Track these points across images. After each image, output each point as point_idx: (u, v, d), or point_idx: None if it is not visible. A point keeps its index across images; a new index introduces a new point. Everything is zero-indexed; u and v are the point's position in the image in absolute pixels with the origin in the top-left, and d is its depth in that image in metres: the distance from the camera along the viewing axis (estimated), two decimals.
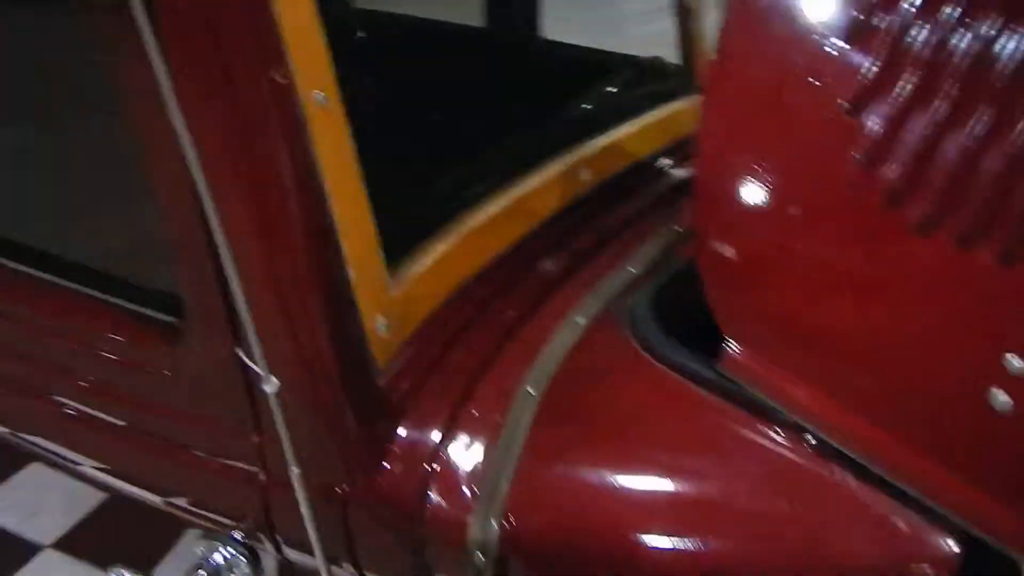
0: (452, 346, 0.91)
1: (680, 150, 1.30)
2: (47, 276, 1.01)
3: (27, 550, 1.57)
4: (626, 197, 1.18)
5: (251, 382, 0.84)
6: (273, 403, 0.74)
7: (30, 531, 1.59)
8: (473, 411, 0.87)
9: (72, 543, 1.54)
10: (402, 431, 0.86)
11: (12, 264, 1.05)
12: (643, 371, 0.90)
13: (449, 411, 0.87)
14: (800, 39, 0.77)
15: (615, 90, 1.34)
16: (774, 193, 0.80)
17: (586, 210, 1.12)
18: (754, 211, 0.82)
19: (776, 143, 0.80)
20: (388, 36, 1.85)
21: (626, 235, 1.12)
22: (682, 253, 1.08)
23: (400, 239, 0.91)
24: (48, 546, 1.57)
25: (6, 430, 1.13)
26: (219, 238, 0.73)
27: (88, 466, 1.06)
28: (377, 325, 0.84)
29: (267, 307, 0.79)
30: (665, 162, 1.27)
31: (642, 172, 1.23)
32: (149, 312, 0.92)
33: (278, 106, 0.75)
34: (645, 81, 1.44)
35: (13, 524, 1.62)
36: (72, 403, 1.03)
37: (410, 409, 0.87)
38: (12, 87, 1.04)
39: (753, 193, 0.81)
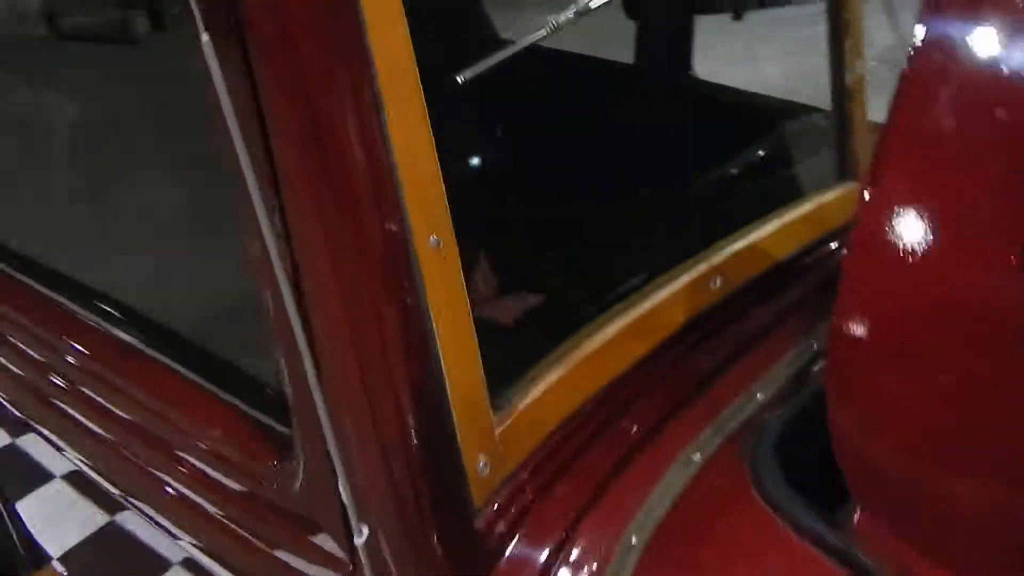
0: (555, 482, 0.88)
1: (827, 245, 1.20)
2: (180, 369, 1.03)
3: (160, 564, 1.66)
4: (761, 302, 1.11)
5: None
6: (362, 552, 0.74)
7: (162, 546, 1.68)
8: (572, 557, 0.84)
9: (198, 565, 1.62)
10: (498, 572, 0.84)
11: (141, 345, 1.09)
12: (759, 525, 0.83)
13: (547, 556, 0.84)
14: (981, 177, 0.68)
15: (761, 169, 1.26)
16: (930, 327, 0.72)
17: (714, 320, 1.06)
18: (902, 343, 0.74)
19: (944, 281, 0.71)
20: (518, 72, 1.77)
21: (759, 349, 1.05)
22: (818, 376, 1.00)
23: (510, 364, 0.89)
24: (176, 564, 1.65)
25: (118, 492, 1.18)
26: (311, 375, 0.74)
27: (185, 541, 1.09)
28: (478, 465, 0.82)
29: (365, 447, 0.78)
30: (809, 262, 1.18)
31: (781, 273, 1.14)
32: (263, 418, 0.93)
33: (389, 252, 0.74)
34: (796, 154, 1.35)
35: (147, 536, 1.71)
36: (174, 483, 1.06)
37: (507, 551, 0.84)
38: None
39: (902, 323, 0.73)
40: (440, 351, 0.77)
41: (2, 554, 2.01)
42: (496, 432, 0.84)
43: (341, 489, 0.79)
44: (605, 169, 1.26)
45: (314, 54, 0.68)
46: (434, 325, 0.77)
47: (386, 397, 0.77)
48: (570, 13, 0.84)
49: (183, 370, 1.02)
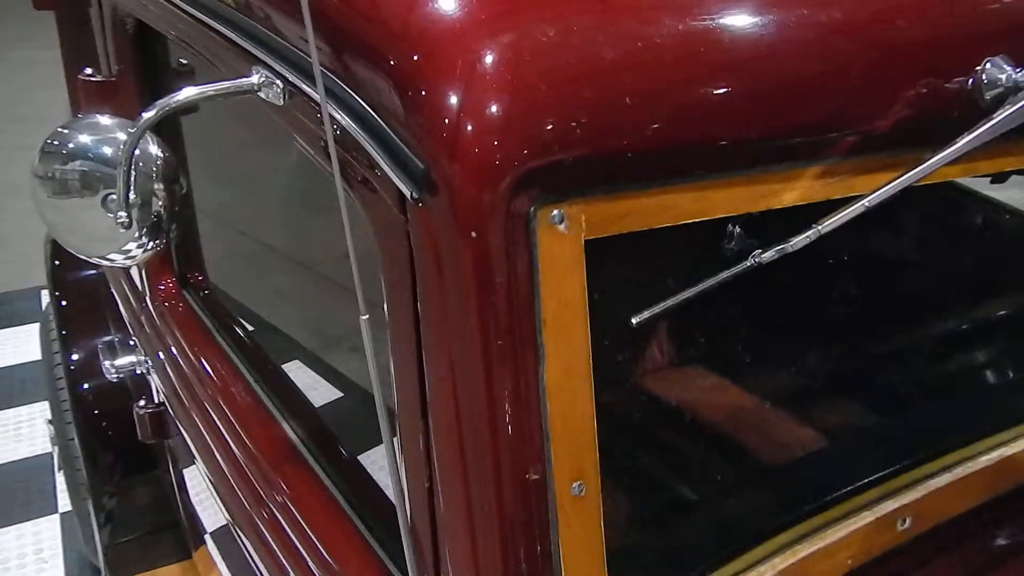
0: None
1: None
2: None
3: None
4: (953, 549, 0.95)
5: None
6: None
7: None
8: None
9: None
10: None
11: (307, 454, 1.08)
12: None
13: None
14: None
15: (982, 376, 1.07)
16: None
17: (890, 565, 0.91)
18: None
19: None
20: None
21: None
22: None
23: None
24: None
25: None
26: None
27: None
28: None
29: None
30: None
31: (986, 515, 0.97)
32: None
33: (525, 500, 0.68)
34: None
35: None
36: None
37: None
38: None
39: None
40: None
41: (171, 525, 2.11)
42: None
43: None
44: (771, 379, 1.09)
45: (478, 299, 0.62)
46: (563, 564, 0.71)
47: None
48: (791, 245, 0.71)
49: (345, 505, 0.99)
